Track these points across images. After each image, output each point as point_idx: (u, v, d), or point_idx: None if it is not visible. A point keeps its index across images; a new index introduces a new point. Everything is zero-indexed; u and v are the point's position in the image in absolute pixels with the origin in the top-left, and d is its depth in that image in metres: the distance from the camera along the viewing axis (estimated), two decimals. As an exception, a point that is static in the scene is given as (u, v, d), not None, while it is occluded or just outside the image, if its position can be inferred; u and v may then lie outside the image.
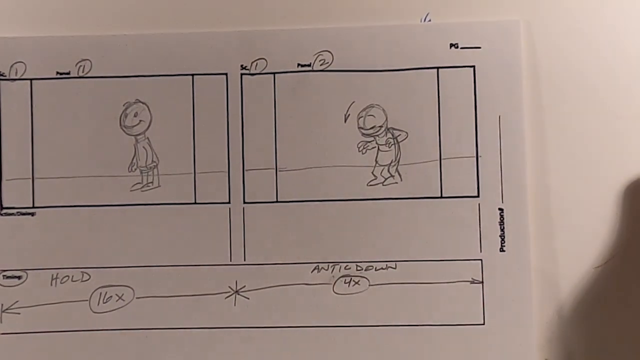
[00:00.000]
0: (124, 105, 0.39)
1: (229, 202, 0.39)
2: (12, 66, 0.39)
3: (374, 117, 0.39)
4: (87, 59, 0.39)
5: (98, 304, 0.39)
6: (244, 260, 0.39)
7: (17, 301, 0.39)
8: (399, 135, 0.39)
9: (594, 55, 0.39)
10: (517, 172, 0.38)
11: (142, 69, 0.39)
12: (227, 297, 0.39)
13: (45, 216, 0.39)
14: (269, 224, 0.39)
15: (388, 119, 0.39)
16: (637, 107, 0.39)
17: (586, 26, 0.39)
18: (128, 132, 0.39)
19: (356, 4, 0.40)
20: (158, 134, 0.39)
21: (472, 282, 0.38)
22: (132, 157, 0.39)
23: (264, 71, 0.39)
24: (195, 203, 0.39)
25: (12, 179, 0.39)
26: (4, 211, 0.39)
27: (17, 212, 0.39)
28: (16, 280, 0.39)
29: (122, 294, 0.39)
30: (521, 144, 0.38)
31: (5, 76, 0.39)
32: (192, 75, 0.39)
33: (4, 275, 0.39)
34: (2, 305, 0.39)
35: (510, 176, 0.38)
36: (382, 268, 0.38)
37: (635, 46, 0.39)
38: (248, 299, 0.39)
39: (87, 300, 0.39)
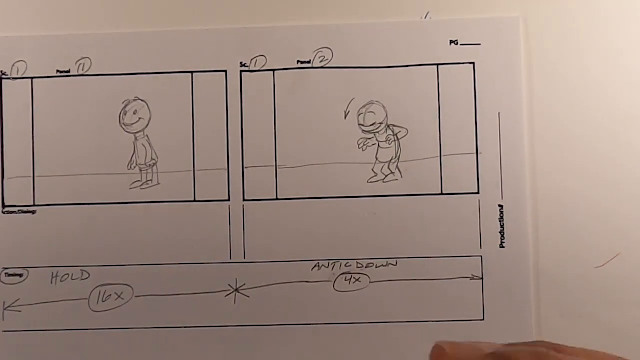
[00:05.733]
0: (123, 103, 0.41)
1: (228, 200, 0.41)
2: (14, 65, 0.41)
3: (374, 113, 0.41)
4: (87, 57, 0.41)
5: (97, 303, 0.41)
6: (244, 258, 0.40)
7: (18, 299, 0.41)
8: (399, 132, 0.41)
9: (593, 52, 0.41)
10: (516, 168, 0.40)
11: (141, 66, 0.41)
12: (227, 295, 0.40)
13: (46, 214, 0.41)
14: (268, 222, 0.41)
15: (388, 116, 0.41)
16: (637, 104, 0.41)
17: (585, 23, 0.41)
18: (127, 130, 0.41)
19: (356, 1, 0.41)
20: (157, 132, 0.41)
21: (472, 279, 0.40)
22: (131, 154, 0.41)
23: (263, 68, 0.41)
24: (194, 201, 0.41)
25: (13, 178, 0.41)
26: (6, 209, 0.41)
27: (19, 211, 0.41)
28: (18, 278, 0.41)
29: (122, 293, 0.41)
30: (521, 141, 0.40)
31: (7, 75, 0.41)
32: (192, 72, 0.41)
33: (6, 273, 0.41)
34: (4, 303, 0.41)
35: (510, 173, 0.40)
36: (382, 265, 0.40)
37: (634, 43, 0.41)
38: (248, 297, 0.40)
39: (86, 299, 0.41)
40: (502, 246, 0.40)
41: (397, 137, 0.41)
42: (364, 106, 0.41)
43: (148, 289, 0.41)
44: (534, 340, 0.39)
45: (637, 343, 0.40)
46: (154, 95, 0.41)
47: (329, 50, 0.41)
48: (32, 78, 0.41)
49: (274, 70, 0.41)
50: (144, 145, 0.41)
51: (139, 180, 0.41)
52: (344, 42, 0.41)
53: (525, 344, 0.21)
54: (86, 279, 0.41)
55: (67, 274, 0.41)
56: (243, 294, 0.40)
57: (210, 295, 0.40)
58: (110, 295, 0.41)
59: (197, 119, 0.41)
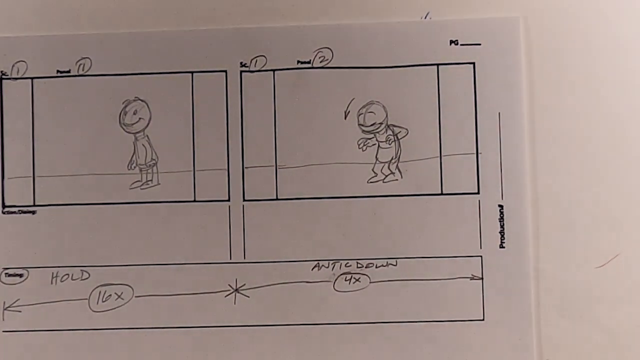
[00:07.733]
0: (123, 103, 0.42)
1: (228, 200, 0.41)
2: (14, 65, 0.42)
3: (374, 113, 0.42)
4: (87, 57, 0.42)
5: (97, 303, 0.41)
6: (244, 258, 0.41)
7: (18, 299, 0.41)
8: (399, 132, 0.41)
9: (593, 52, 0.41)
10: (516, 169, 0.41)
11: (141, 66, 0.42)
12: (227, 295, 0.41)
13: (46, 214, 0.42)
14: (268, 222, 0.41)
15: (388, 116, 0.41)
16: (637, 104, 0.41)
17: (586, 23, 0.41)
18: (127, 130, 0.42)
19: (356, 1, 0.42)
20: (157, 132, 0.42)
21: (472, 279, 0.41)
22: (131, 155, 0.42)
23: (263, 68, 0.42)
24: (194, 201, 0.41)
25: (13, 177, 0.42)
26: (6, 209, 0.42)
27: (19, 211, 0.42)
28: (18, 278, 0.41)
29: (122, 293, 0.41)
30: (521, 141, 0.41)
31: (7, 75, 0.42)
32: (192, 72, 0.42)
33: (6, 273, 0.41)
34: (4, 303, 0.41)
35: (510, 173, 0.41)
36: (382, 265, 0.41)
37: (635, 43, 0.41)
38: (248, 297, 0.41)
39: (86, 299, 0.41)
40: (502, 246, 0.41)
41: (397, 137, 0.41)
42: (364, 106, 0.42)
43: (148, 289, 0.41)
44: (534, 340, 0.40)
45: (637, 343, 0.40)
46: (154, 95, 0.42)
47: (329, 50, 0.42)
48: (32, 78, 0.42)
49: (274, 70, 0.42)
50: (144, 145, 0.42)
51: (139, 180, 0.42)
52: (344, 42, 0.42)
53: None
54: (86, 279, 0.41)
55: (67, 274, 0.41)
56: (243, 294, 0.41)
57: (210, 295, 0.41)
58: (110, 295, 0.41)
59: (197, 119, 0.42)
